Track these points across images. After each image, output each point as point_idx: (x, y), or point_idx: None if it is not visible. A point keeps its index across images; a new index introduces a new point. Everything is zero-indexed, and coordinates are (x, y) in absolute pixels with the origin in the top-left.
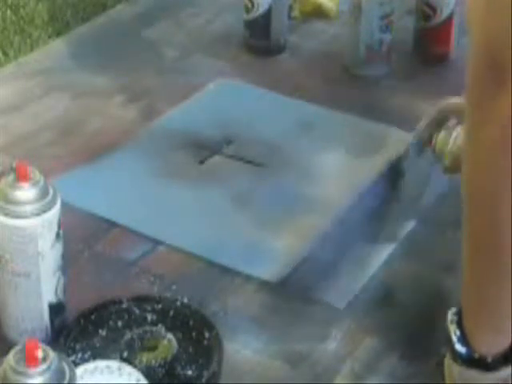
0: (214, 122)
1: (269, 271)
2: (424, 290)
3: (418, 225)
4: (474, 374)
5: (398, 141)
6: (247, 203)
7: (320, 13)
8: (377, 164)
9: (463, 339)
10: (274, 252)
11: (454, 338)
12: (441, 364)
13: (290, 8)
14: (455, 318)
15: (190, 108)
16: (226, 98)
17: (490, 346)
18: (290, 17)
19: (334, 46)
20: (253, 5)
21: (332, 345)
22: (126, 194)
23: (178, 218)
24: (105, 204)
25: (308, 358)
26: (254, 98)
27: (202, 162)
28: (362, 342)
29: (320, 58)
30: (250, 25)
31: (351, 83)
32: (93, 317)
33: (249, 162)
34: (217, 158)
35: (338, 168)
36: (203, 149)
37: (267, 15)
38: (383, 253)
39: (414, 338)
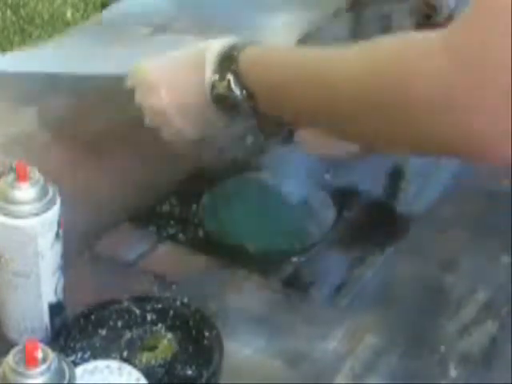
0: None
1: None
2: (424, 289)
3: (418, 224)
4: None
5: None
6: None
7: None
8: None
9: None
10: None
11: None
12: None
13: None
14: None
15: None
16: None
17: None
18: None
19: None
20: None
21: (332, 344)
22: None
23: None
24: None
25: (308, 357)
26: None
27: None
28: (362, 342)
29: None
30: None
31: None
32: (92, 316)
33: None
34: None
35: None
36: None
37: None
38: (384, 252)
39: (414, 338)
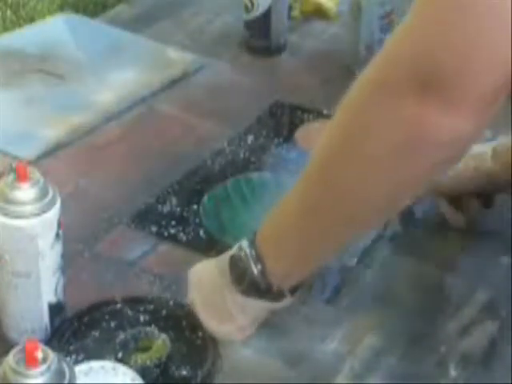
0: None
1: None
2: (424, 290)
3: (417, 225)
4: (260, 303)
5: (181, 62)
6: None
7: (320, 13)
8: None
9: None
10: None
11: (255, 272)
12: None
13: (290, 8)
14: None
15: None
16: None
17: (289, 280)
18: (289, 17)
19: (333, 46)
20: (253, 5)
21: (332, 344)
22: None
23: None
24: None
25: (308, 357)
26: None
27: None
28: (361, 342)
29: (320, 58)
30: (250, 25)
31: (351, 83)
32: (85, 318)
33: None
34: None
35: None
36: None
37: (267, 15)
38: (383, 251)
39: (413, 338)
